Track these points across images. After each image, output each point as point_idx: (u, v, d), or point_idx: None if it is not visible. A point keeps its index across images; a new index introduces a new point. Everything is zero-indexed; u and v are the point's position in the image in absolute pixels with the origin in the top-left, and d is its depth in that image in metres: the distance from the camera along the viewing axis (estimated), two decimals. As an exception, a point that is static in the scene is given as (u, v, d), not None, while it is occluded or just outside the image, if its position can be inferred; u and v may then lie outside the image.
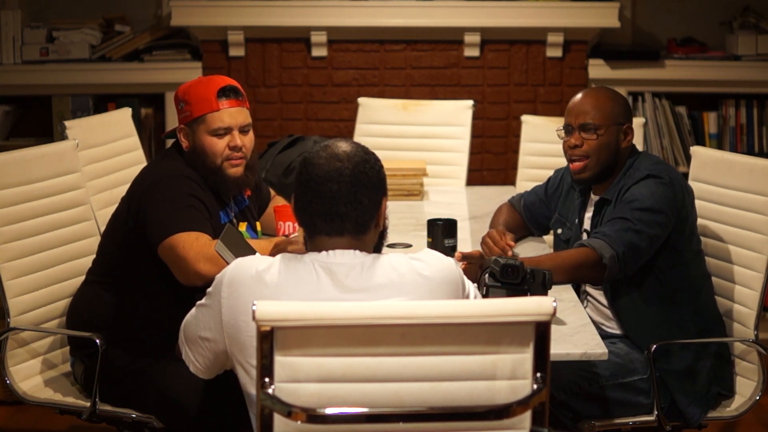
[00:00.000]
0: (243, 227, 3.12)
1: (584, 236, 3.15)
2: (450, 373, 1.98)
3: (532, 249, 3.36)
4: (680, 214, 3.03)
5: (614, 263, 2.93)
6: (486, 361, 1.99)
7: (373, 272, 2.14)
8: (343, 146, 2.20)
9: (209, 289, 2.23)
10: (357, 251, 2.18)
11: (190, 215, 2.90)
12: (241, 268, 2.17)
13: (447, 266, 2.20)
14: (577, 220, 3.22)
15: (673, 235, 3.02)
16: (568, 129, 3.13)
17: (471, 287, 2.30)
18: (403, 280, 2.14)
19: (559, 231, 3.30)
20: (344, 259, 2.15)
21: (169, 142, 3.29)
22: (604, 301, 3.13)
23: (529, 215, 3.48)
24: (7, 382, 3.08)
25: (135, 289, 3.02)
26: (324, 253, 2.17)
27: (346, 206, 2.15)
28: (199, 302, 2.26)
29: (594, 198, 3.19)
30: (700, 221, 3.22)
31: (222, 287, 2.17)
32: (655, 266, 3.02)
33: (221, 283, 2.18)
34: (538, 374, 2.01)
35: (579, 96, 3.16)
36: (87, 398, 3.03)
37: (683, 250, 3.05)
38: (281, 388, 1.96)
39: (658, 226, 2.97)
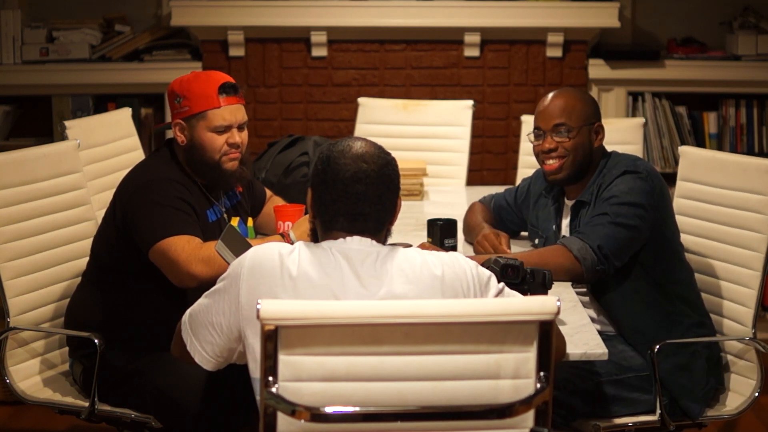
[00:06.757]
0: (235, 222, 3.13)
1: None
2: (453, 373, 1.99)
3: (520, 249, 3.34)
4: (659, 206, 3.03)
5: (589, 255, 2.92)
6: (489, 361, 1.99)
7: (387, 262, 2.18)
8: (365, 146, 2.25)
9: (224, 275, 2.24)
10: (374, 241, 2.23)
11: (179, 219, 2.91)
12: (264, 250, 2.20)
13: (460, 267, 2.21)
14: (554, 226, 3.20)
15: (656, 227, 3.02)
16: (539, 133, 3.12)
17: (492, 281, 2.27)
18: (415, 272, 2.17)
19: (536, 241, 3.29)
20: (361, 246, 2.20)
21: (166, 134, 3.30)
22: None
23: (499, 218, 3.47)
24: (7, 381, 3.09)
25: (127, 289, 3.03)
26: (341, 239, 2.21)
27: (370, 206, 2.21)
28: (208, 292, 2.27)
29: (569, 203, 3.17)
30: (694, 221, 3.24)
31: (242, 269, 2.19)
32: (642, 262, 3.02)
33: (241, 265, 2.20)
34: (542, 373, 2.01)
35: (547, 99, 3.13)
36: (86, 398, 3.03)
37: (666, 242, 3.06)
38: (285, 387, 1.96)
39: (639, 218, 2.97)
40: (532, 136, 3.14)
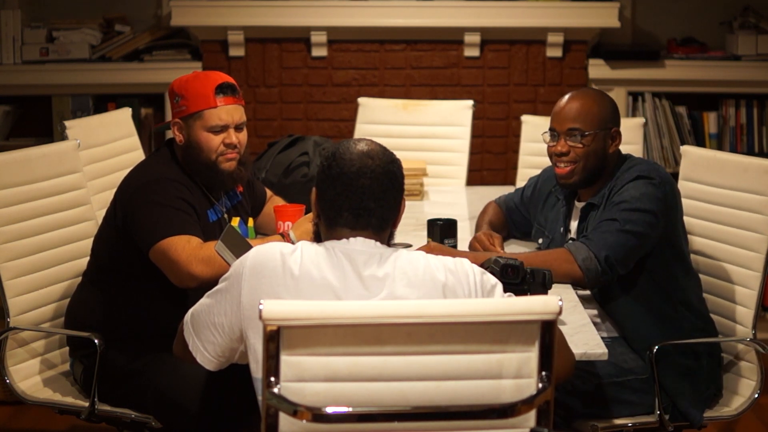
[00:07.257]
0: (235, 222, 3.13)
1: None
2: (456, 372, 1.99)
3: (525, 249, 3.34)
4: (670, 213, 3.01)
5: (593, 266, 2.90)
6: (492, 360, 1.99)
7: (390, 264, 2.18)
8: (370, 145, 2.27)
9: (225, 275, 2.24)
10: (377, 242, 2.23)
11: (180, 219, 2.91)
12: (266, 250, 2.20)
13: (463, 273, 2.20)
14: (562, 228, 3.19)
15: (665, 235, 3.00)
16: (554, 135, 3.10)
17: (497, 289, 2.26)
18: (417, 276, 2.17)
19: (540, 241, 3.28)
20: (364, 248, 2.20)
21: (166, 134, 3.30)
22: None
23: (511, 221, 3.47)
24: (7, 381, 3.09)
25: (127, 289, 3.03)
26: (344, 240, 2.21)
27: (375, 202, 2.21)
28: (210, 291, 2.27)
29: (579, 205, 3.16)
30: (694, 221, 3.23)
31: (244, 269, 2.19)
32: (648, 268, 3.00)
33: (243, 265, 2.20)
34: (543, 373, 2.01)
35: (564, 100, 3.11)
36: (86, 398, 3.03)
37: (674, 250, 3.04)
38: (287, 387, 1.96)
39: (648, 225, 2.95)
40: (547, 136, 3.12)
